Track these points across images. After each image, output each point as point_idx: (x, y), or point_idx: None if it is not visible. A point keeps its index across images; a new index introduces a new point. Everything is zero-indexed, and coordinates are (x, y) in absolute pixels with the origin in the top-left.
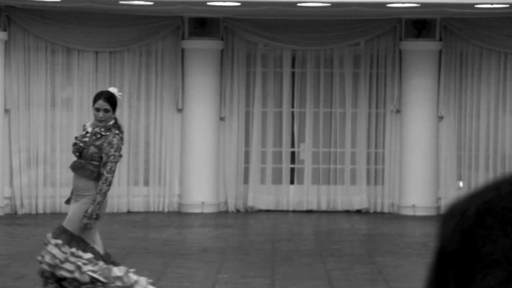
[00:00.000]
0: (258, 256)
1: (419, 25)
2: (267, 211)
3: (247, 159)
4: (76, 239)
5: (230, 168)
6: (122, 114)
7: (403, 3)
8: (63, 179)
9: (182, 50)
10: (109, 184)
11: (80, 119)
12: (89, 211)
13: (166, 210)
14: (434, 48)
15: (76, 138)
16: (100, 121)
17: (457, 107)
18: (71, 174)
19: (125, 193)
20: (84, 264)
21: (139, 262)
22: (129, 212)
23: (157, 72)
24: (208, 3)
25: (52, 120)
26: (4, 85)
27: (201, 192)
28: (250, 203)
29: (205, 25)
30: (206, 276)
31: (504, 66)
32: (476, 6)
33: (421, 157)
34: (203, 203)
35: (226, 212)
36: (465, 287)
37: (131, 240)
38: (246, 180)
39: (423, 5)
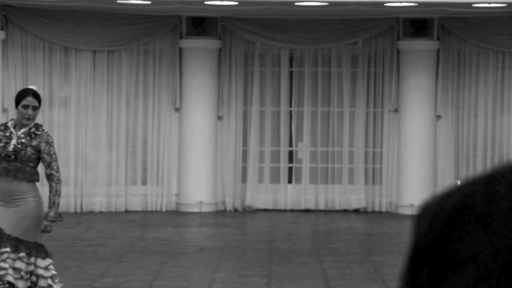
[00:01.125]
0: (255, 256)
1: (417, 25)
2: (265, 210)
3: (245, 158)
4: (35, 247)
5: (228, 167)
6: (120, 113)
7: (400, 2)
8: (63, 178)
9: (180, 49)
10: (61, 183)
11: (78, 118)
12: (52, 214)
13: (164, 209)
14: (432, 48)
15: (7, 142)
16: (29, 118)
17: (455, 106)
18: (68, 173)
19: (123, 192)
20: (54, 275)
21: (136, 261)
22: (127, 211)
23: (155, 71)
24: (206, 2)
25: (49, 119)
26: (2, 84)
27: (199, 191)
28: (248, 202)
29: (203, 24)
30: (203, 275)
31: (502, 65)
32: (473, 5)
33: (419, 156)
34: (201, 202)
35: (224, 211)
36: (438, 286)
37: (129, 239)
38: (244, 179)
39: (421, 4)
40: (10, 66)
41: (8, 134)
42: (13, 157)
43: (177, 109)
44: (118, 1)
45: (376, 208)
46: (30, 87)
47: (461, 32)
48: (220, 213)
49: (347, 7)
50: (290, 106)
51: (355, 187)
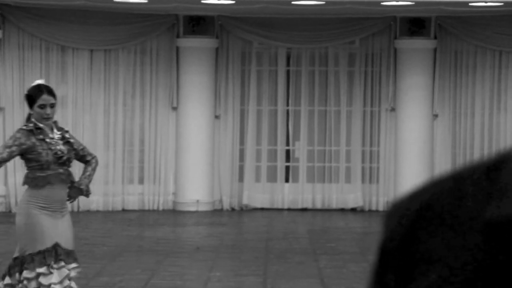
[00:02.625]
0: (251, 254)
1: (414, 24)
2: (262, 209)
3: (242, 157)
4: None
5: (225, 166)
6: (117, 112)
7: (397, 1)
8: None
9: (177, 48)
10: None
11: (75, 117)
12: (87, 183)
13: (161, 208)
14: (429, 47)
15: (51, 147)
16: (48, 118)
17: (452, 105)
18: None
19: (120, 191)
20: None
21: (132, 260)
22: (124, 210)
23: (152, 70)
24: (203, 1)
25: None
26: None
27: (196, 190)
28: (245, 201)
29: (200, 23)
30: (199, 274)
31: (499, 64)
32: (470, 4)
33: (416, 155)
34: (198, 201)
35: (221, 210)
36: (406, 286)
37: (125, 238)
38: (241, 178)
39: (418, 3)
40: (6, 65)
41: (48, 138)
42: (67, 163)
43: (174, 108)
44: (115, 0)
45: (373, 207)
46: (40, 82)
47: (458, 31)
48: (217, 212)
49: (344, 6)
50: (287, 105)
51: (352, 186)
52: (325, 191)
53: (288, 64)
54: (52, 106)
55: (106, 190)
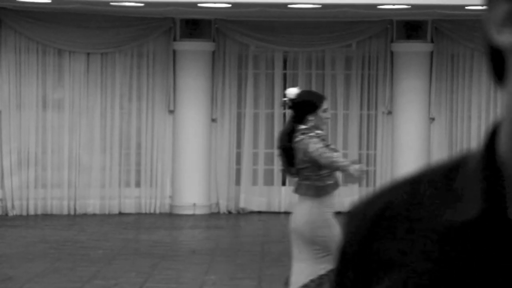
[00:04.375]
0: (247, 258)
1: (410, 27)
2: (259, 212)
3: (238, 161)
4: None
5: (222, 170)
6: (114, 115)
7: (393, 4)
8: (54, 181)
9: (174, 52)
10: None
11: (71, 120)
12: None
13: (157, 211)
14: (425, 50)
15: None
16: (325, 123)
17: (448, 108)
18: (62, 175)
19: (116, 194)
20: None
21: (127, 264)
22: (120, 213)
23: (148, 74)
24: (199, 5)
25: (43, 121)
26: None
27: (192, 194)
28: (242, 204)
29: (196, 26)
30: (194, 278)
31: None
32: (466, 7)
33: (413, 159)
34: (194, 204)
35: (218, 213)
36: None
37: (121, 241)
38: (238, 182)
39: (414, 6)
40: (3, 68)
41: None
42: None
43: (171, 112)
44: (111, 3)
45: None
46: (298, 90)
47: (455, 34)
48: (214, 216)
49: (341, 9)
50: (284, 108)
51: (349, 189)
52: None
53: (285, 67)
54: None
55: (103, 193)
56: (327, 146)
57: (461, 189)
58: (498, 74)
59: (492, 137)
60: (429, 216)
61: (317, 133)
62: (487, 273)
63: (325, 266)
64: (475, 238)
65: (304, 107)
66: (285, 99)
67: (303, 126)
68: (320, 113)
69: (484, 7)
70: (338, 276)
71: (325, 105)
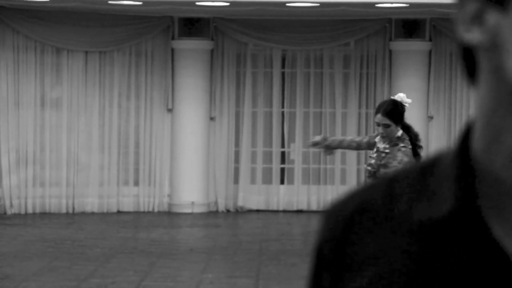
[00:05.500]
0: (244, 256)
1: (408, 25)
2: (257, 211)
3: (237, 159)
4: None
5: (220, 168)
6: (112, 114)
7: (391, 3)
8: (53, 179)
9: (172, 50)
10: None
11: (70, 119)
12: None
13: (156, 210)
14: (424, 48)
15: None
16: (383, 136)
17: (447, 107)
18: (60, 173)
19: (115, 193)
20: None
21: (125, 262)
22: (119, 212)
23: (147, 72)
24: (197, 3)
25: (41, 120)
26: None
27: (191, 192)
28: (240, 203)
29: (195, 25)
30: (191, 276)
31: None
32: None
33: None
34: (193, 203)
35: (216, 212)
36: (340, 287)
37: (119, 240)
38: (236, 180)
39: (412, 5)
40: (1, 67)
41: (373, 151)
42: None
43: (169, 110)
44: (109, 2)
45: None
46: (395, 97)
47: (453, 33)
48: (212, 214)
49: (338, 8)
50: (283, 107)
51: (347, 188)
52: (320, 193)
53: (283, 66)
54: (386, 126)
55: (101, 192)
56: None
57: (435, 187)
58: (470, 73)
59: (466, 135)
60: (404, 214)
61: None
62: (458, 270)
63: None
64: (447, 236)
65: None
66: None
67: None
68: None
69: (454, 6)
70: (314, 277)
71: (377, 119)
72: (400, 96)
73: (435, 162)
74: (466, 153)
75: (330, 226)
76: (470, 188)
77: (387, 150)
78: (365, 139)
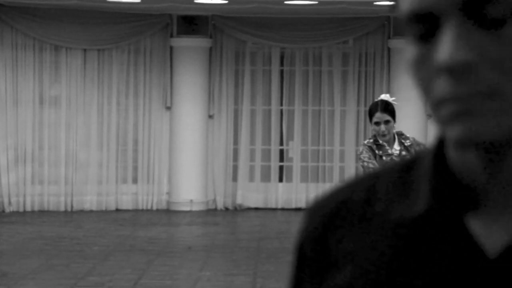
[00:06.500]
0: (243, 254)
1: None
2: (256, 209)
3: (235, 157)
4: None
5: (219, 166)
6: (111, 112)
7: (390, 1)
8: (51, 177)
9: (171, 48)
10: None
11: (68, 117)
12: None
13: (154, 208)
14: None
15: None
16: (383, 135)
17: None
18: (58, 171)
19: (113, 191)
20: None
21: (122, 260)
22: (117, 210)
23: (145, 70)
24: (196, 1)
25: (40, 118)
26: None
27: (189, 190)
28: (239, 201)
29: (193, 23)
30: (189, 274)
31: None
32: None
33: None
34: (191, 201)
35: (215, 210)
36: (321, 283)
37: (117, 238)
38: (235, 178)
39: None
40: (0, 65)
41: (386, 155)
42: None
43: (168, 108)
44: (108, 0)
45: None
46: (382, 97)
47: None
48: (210, 212)
49: (337, 6)
50: (281, 104)
51: None
52: (319, 190)
53: (282, 63)
54: (387, 122)
55: (100, 190)
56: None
57: (414, 185)
58: None
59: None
60: (383, 212)
61: (367, 142)
62: (435, 267)
63: None
64: (423, 233)
65: (368, 115)
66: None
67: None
68: (372, 124)
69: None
70: (296, 275)
71: (376, 118)
72: (386, 97)
73: (416, 160)
74: (442, 153)
75: (311, 224)
76: (445, 186)
77: (404, 153)
78: (365, 164)
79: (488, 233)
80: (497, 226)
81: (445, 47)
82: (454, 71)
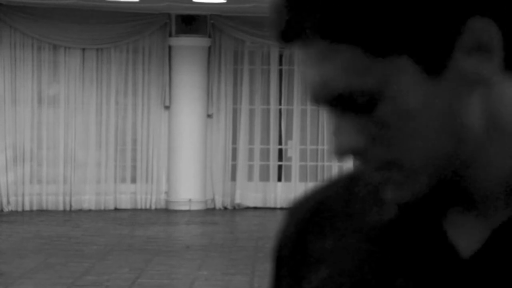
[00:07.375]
0: (241, 253)
1: None
2: (255, 208)
3: (234, 156)
4: None
5: (218, 165)
6: (109, 111)
7: None
8: (50, 177)
9: (169, 47)
10: None
11: (67, 116)
12: None
13: (153, 207)
14: None
15: None
16: None
17: None
18: (57, 171)
19: (112, 190)
20: None
21: (121, 259)
22: (116, 209)
23: (144, 69)
24: (195, 0)
25: (38, 117)
26: None
27: (188, 189)
28: (238, 200)
29: (192, 22)
30: (187, 273)
31: None
32: None
33: None
34: (190, 200)
35: (214, 209)
36: (298, 284)
37: (116, 237)
38: (233, 177)
39: None
40: None
41: None
42: None
43: (167, 107)
44: None
45: None
46: None
47: None
48: (209, 211)
49: None
50: (280, 104)
51: None
52: None
53: (280, 63)
54: None
55: (98, 189)
56: None
57: None
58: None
59: None
60: (359, 215)
61: None
62: (409, 268)
63: None
64: (398, 236)
65: None
66: None
67: None
68: None
69: None
70: (274, 277)
71: None
72: None
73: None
74: None
75: (290, 224)
76: None
77: None
78: None
79: (463, 233)
80: (472, 227)
81: (334, 140)
82: (346, 157)
